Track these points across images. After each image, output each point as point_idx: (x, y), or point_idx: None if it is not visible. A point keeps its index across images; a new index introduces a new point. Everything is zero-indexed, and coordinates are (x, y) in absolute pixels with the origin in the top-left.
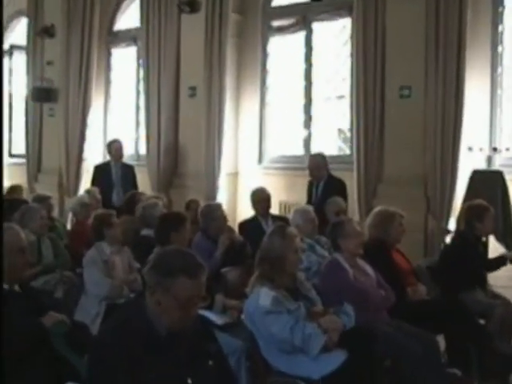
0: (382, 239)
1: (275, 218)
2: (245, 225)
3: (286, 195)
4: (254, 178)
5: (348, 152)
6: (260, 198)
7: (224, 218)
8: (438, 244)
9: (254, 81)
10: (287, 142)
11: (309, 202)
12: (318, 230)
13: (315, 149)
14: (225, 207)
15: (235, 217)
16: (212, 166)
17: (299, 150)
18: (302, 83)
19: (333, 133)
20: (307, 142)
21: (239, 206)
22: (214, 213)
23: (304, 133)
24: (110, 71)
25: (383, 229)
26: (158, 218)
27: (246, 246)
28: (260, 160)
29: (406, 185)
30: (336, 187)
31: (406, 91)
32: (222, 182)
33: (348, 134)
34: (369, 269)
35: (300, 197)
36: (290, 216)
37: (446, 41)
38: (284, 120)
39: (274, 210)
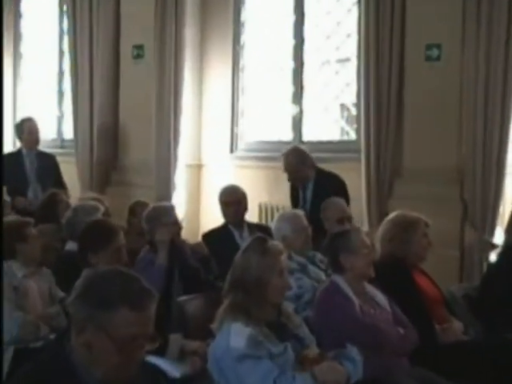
0: (400, 256)
1: (253, 226)
2: (211, 236)
3: (268, 195)
4: (223, 171)
5: (354, 136)
6: (231, 200)
7: (177, 225)
8: (479, 263)
9: (223, 37)
10: (270, 122)
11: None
12: (312, 244)
13: (308, 132)
14: (183, 212)
15: (198, 225)
16: (166, 156)
17: (286, 134)
18: (290, 41)
19: (333, 110)
20: (297, 123)
21: (203, 210)
22: (163, 218)
23: (293, 110)
24: (19, 21)
25: (402, 242)
26: (81, 231)
27: (209, 261)
28: (232, 147)
29: (434, 182)
30: (331, 187)
31: (434, 51)
32: (180, 178)
33: (354, 112)
34: (381, 297)
35: (287, 197)
36: (273, 224)
37: None
38: (266, 92)
39: (252, 215)
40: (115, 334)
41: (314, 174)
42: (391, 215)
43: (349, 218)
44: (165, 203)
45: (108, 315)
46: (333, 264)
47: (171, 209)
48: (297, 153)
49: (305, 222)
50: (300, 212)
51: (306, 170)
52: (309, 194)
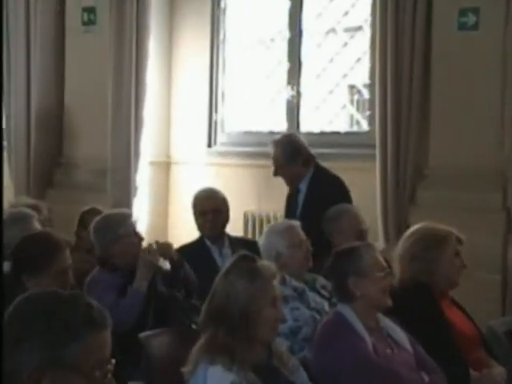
0: (424, 281)
1: (236, 241)
2: (183, 254)
3: (256, 202)
4: (199, 171)
5: (366, 127)
6: (209, 208)
7: (136, 237)
8: None
9: None
10: (259, 108)
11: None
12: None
13: (307, 120)
14: (146, 222)
15: (166, 239)
16: (125, 151)
17: (279, 124)
18: (285, 3)
19: (340, 92)
20: (293, 109)
21: (173, 220)
22: (118, 229)
23: (288, 92)
24: None
25: (427, 262)
26: (15, 247)
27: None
28: (210, 140)
29: (469, 186)
30: (324, 190)
31: (470, 18)
32: (144, 179)
33: (366, 95)
34: (401, 334)
35: (280, 204)
36: (261, 239)
37: None
38: (253, 70)
39: (235, 227)
40: (86, 367)
41: (311, 172)
42: (413, 228)
43: (366, 232)
44: (119, 210)
45: (76, 348)
46: (338, 290)
47: (127, 217)
48: (287, 142)
49: (302, 235)
50: (295, 223)
51: (293, 168)
52: (301, 197)
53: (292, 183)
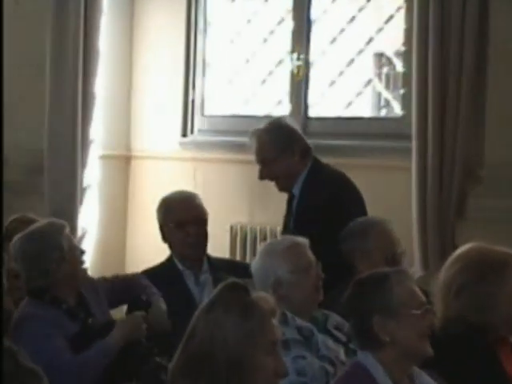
0: (476, 321)
1: (219, 265)
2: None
3: (247, 211)
4: (169, 168)
5: (398, 111)
6: (191, 216)
7: (78, 250)
8: None
9: None
10: (252, 85)
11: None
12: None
13: (317, 102)
14: (96, 236)
15: (123, 259)
16: (68, 141)
17: (280, 106)
18: None
19: (363, 64)
20: (299, 86)
21: (132, 232)
22: (61, 243)
23: (292, 63)
24: None
25: (480, 297)
26: None
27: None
28: (185, 127)
29: None
30: (321, 190)
31: None
32: (94, 179)
33: (400, 68)
34: None
35: (280, 215)
36: (255, 261)
37: None
38: (244, 32)
39: (218, 245)
40: None
41: (307, 170)
42: (462, 249)
43: (401, 256)
44: (47, 220)
45: None
46: (360, 333)
47: (63, 225)
48: (276, 127)
49: (311, 256)
50: (302, 240)
51: (287, 161)
52: (295, 203)
53: (285, 183)
